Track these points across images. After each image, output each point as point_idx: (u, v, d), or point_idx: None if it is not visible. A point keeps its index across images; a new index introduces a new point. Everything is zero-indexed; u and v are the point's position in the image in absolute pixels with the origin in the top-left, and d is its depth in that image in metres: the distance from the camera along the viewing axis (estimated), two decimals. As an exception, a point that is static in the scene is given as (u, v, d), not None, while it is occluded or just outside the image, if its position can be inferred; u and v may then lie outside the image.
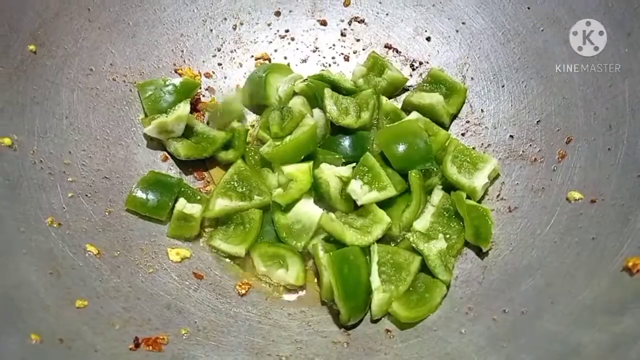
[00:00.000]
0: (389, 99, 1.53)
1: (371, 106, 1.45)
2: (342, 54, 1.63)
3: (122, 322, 1.15)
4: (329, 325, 1.28)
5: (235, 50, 1.61)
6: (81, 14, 1.42)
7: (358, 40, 1.63)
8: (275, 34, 1.63)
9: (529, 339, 1.08)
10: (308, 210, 1.35)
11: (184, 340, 1.18)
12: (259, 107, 1.57)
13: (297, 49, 1.64)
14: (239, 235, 1.36)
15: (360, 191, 1.30)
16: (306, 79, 1.48)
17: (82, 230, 1.26)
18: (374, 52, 1.57)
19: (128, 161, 1.42)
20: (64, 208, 1.27)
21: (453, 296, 1.28)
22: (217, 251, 1.37)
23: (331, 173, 1.35)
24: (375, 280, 1.24)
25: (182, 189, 1.40)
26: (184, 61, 1.56)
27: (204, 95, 1.57)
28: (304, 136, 1.36)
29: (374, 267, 1.25)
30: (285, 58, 1.63)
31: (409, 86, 1.58)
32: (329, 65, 1.63)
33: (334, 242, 1.31)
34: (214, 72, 1.59)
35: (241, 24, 1.61)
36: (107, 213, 1.32)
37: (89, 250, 1.24)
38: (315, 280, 1.35)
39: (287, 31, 1.63)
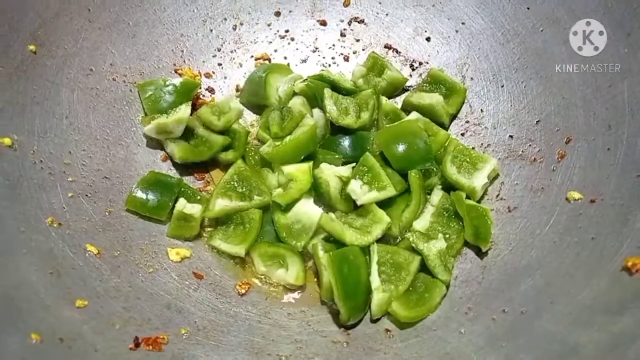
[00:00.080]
0: (389, 99, 1.53)
1: (371, 106, 1.45)
2: (342, 54, 1.63)
3: (122, 322, 1.15)
4: (329, 325, 1.28)
5: (235, 50, 1.61)
6: (81, 14, 1.42)
7: (358, 40, 1.63)
8: (275, 34, 1.63)
9: (528, 339, 1.08)
10: (308, 210, 1.35)
11: (184, 340, 1.18)
12: (259, 107, 1.57)
13: (297, 49, 1.64)
14: (238, 235, 1.36)
15: (360, 191, 1.31)
16: (306, 79, 1.48)
17: (82, 230, 1.26)
18: (373, 52, 1.57)
19: (128, 161, 1.42)
20: (64, 208, 1.27)
21: (452, 296, 1.28)
22: (217, 251, 1.37)
23: (331, 173, 1.35)
24: (375, 280, 1.24)
25: (182, 189, 1.40)
26: (184, 61, 1.56)
27: (203, 95, 1.57)
28: (303, 136, 1.37)
29: (374, 267, 1.25)
30: (285, 58, 1.63)
31: (408, 86, 1.58)
32: (329, 66, 1.63)
33: (334, 241, 1.32)
34: (214, 72, 1.59)
35: (241, 24, 1.61)
36: (107, 213, 1.33)
37: (89, 250, 1.24)
38: (315, 280, 1.35)
39: (287, 31, 1.64)
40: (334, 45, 1.64)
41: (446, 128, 1.49)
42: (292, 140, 1.37)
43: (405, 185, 1.37)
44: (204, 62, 1.58)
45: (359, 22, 1.63)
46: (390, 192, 1.31)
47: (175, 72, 1.54)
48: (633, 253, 1.07)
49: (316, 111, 1.46)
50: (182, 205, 1.34)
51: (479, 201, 1.37)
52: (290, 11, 1.63)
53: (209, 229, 1.41)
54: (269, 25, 1.63)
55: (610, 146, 1.23)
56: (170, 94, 1.45)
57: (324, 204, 1.40)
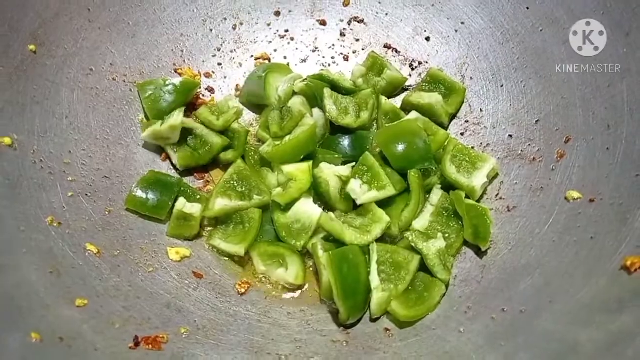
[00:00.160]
0: (389, 98, 1.53)
1: (370, 106, 1.45)
2: (342, 53, 1.64)
3: (122, 321, 1.15)
4: (329, 324, 1.28)
5: (235, 50, 1.61)
6: (81, 14, 1.42)
7: (357, 40, 1.63)
8: (275, 33, 1.63)
9: (528, 338, 1.08)
10: (307, 210, 1.36)
11: (184, 339, 1.18)
12: (259, 107, 1.57)
13: (297, 48, 1.64)
14: (238, 235, 1.36)
15: (359, 190, 1.31)
16: (306, 79, 1.48)
17: (82, 229, 1.27)
18: (373, 52, 1.57)
19: (128, 161, 1.42)
20: (64, 207, 1.27)
21: (452, 295, 1.28)
22: (217, 250, 1.38)
23: (331, 172, 1.35)
24: (374, 280, 1.24)
25: (182, 189, 1.40)
26: (184, 61, 1.56)
27: (203, 95, 1.57)
28: (303, 136, 1.37)
29: (374, 266, 1.25)
30: (285, 58, 1.63)
31: (408, 86, 1.58)
32: (329, 65, 1.63)
33: (334, 241, 1.32)
34: (214, 72, 1.59)
35: (241, 24, 1.61)
36: (107, 212, 1.33)
37: (89, 250, 1.24)
38: (315, 280, 1.35)
39: (286, 31, 1.64)
40: (333, 45, 1.64)
41: (446, 128, 1.50)
42: (291, 140, 1.38)
43: (405, 184, 1.37)
44: (203, 61, 1.58)
45: (358, 22, 1.63)
46: (389, 191, 1.31)
47: (175, 71, 1.54)
48: (632, 252, 1.07)
49: (316, 111, 1.46)
50: (181, 204, 1.35)
51: (478, 201, 1.37)
52: (290, 11, 1.63)
53: (208, 229, 1.41)
54: (268, 25, 1.63)
55: (610, 146, 1.23)
56: (170, 93, 1.45)
57: (324, 204, 1.40)
